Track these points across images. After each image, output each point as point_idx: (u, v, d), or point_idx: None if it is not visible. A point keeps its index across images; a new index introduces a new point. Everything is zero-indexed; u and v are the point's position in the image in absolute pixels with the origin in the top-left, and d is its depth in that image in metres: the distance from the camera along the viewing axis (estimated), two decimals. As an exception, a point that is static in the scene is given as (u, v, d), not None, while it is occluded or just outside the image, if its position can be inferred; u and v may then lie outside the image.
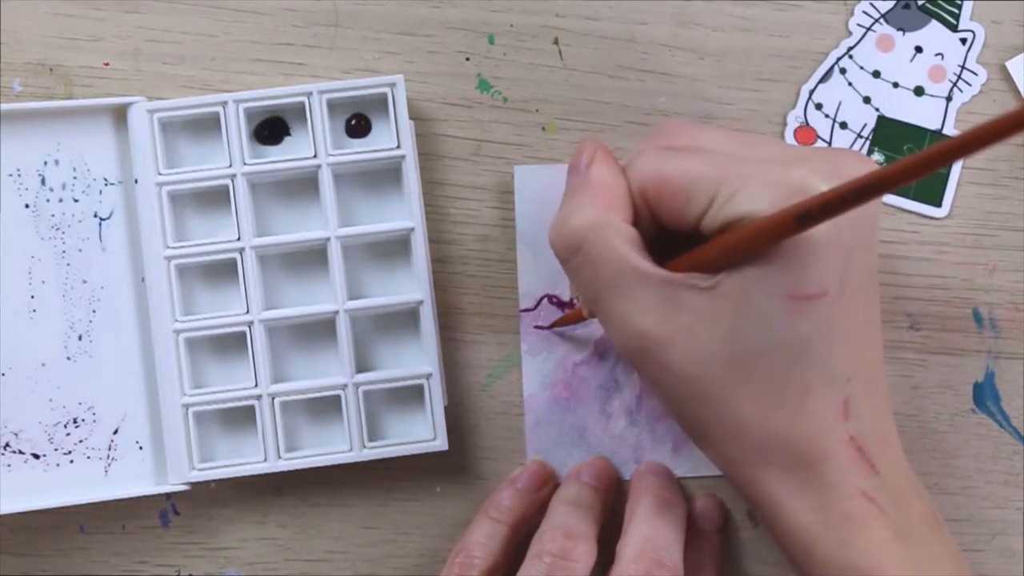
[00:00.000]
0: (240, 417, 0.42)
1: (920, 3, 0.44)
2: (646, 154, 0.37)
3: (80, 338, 0.42)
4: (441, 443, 0.42)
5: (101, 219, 0.42)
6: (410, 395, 0.43)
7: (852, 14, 0.44)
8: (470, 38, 0.43)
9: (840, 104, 0.44)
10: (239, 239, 0.41)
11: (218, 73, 0.43)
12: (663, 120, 0.43)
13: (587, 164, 0.37)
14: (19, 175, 0.42)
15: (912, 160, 0.28)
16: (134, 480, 0.42)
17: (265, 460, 0.42)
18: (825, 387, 0.35)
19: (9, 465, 0.42)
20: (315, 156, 0.41)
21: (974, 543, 0.44)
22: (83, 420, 0.42)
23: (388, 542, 0.44)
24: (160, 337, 0.42)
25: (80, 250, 0.42)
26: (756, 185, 0.34)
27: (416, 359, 0.43)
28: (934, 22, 0.44)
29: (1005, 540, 0.44)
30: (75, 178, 0.42)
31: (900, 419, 0.43)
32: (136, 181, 0.42)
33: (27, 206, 0.42)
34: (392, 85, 0.41)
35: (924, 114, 0.44)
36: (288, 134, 0.43)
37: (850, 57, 0.44)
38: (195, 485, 0.42)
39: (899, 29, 0.44)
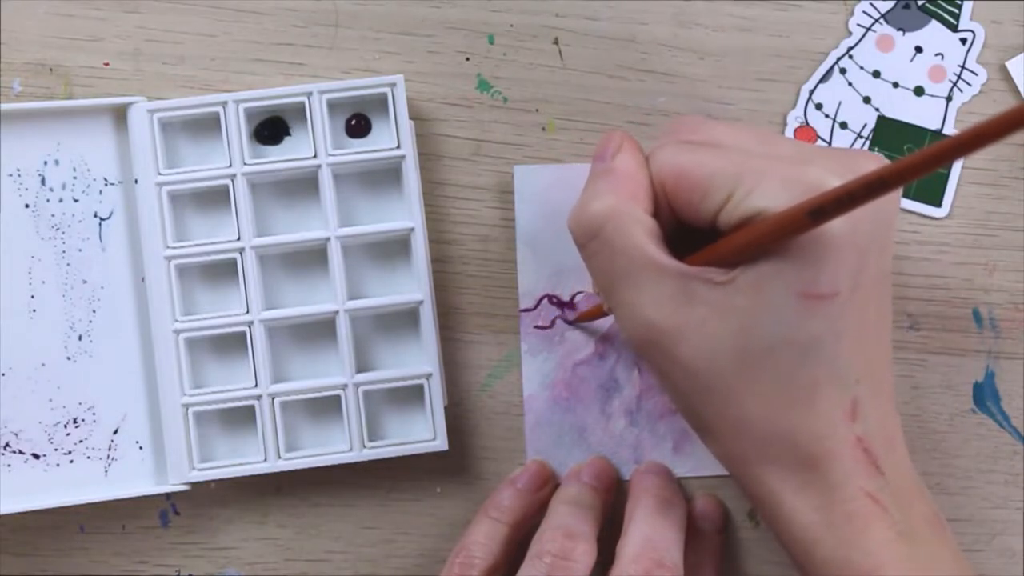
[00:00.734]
0: (240, 417, 0.42)
1: (920, 3, 0.44)
2: (666, 147, 0.37)
3: (80, 338, 0.42)
4: (441, 443, 0.42)
5: (101, 219, 0.42)
6: (410, 395, 0.43)
7: (852, 14, 0.44)
8: (470, 38, 0.43)
9: (840, 104, 0.44)
10: (239, 239, 0.41)
11: (218, 73, 0.43)
12: (663, 120, 0.43)
13: (613, 152, 0.37)
14: (19, 175, 0.42)
15: (919, 156, 0.28)
16: (134, 480, 0.42)
17: (265, 460, 0.42)
18: (833, 387, 0.35)
19: (9, 465, 0.42)
20: (315, 156, 0.41)
21: (974, 543, 0.44)
22: (83, 420, 0.42)
23: (388, 542, 0.44)
24: (160, 337, 0.42)
25: (80, 250, 0.42)
26: (773, 182, 0.34)
27: (416, 359, 0.43)
28: (934, 22, 0.44)
29: (1005, 540, 0.44)
30: (75, 178, 0.42)
31: (901, 419, 0.43)
32: (136, 181, 0.42)
33: (27, 206, 0.42)
34: (392, 85, 0.41)
35: (924, 114, 0.44)
36: (288, 134, 0.43)
37: (850, 57, 0.44)
38: (195, 485, 0.42)
39: (899, 29, 0.44)
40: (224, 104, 0.41)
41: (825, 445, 0.35)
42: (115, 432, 0.42)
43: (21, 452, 0.42)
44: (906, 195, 0.44)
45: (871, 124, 0.44)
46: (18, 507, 0.41)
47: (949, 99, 0.44)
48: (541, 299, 0.44)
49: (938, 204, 0.44)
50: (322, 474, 0.42)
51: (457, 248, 0.44)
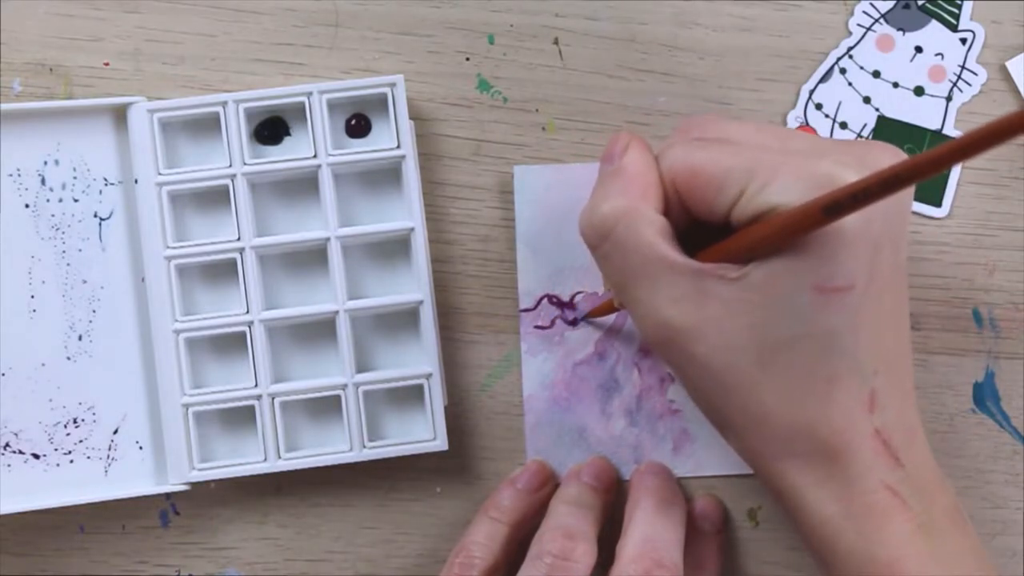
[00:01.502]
0: (240, 417, 0.42)
1: (920, 3, 0.44)
2: (677, 145, 0.37)
3: (80, 338, 0.42)
4: (441, 443, 0.42)
5: (101, 219, 0.42)
6: (410, 395, 0.43)
7: (852, 14, 0.44)
8: (470, 38, 0.43)
9: (840, 104, 0.44)
10: (239, 239, 0.41)
11: (218, 73, 0.43)
12: (663, 120, 0.43)
13: (621, 152, 0.37)
14: (19, 175, 0.42)
15: (936, 152, 0.27)
16: (134, 480, 0.42)
17: (265, 460, 0.42)
18: (851, 379, 0.35)
19: (9, 465, 0.42)
20: (315, 156, 0.41)
21: (974, 543, 0.44)
22: (83, 420, 0.42)
23: (388, 542, 0.44)
24: (160, 337, 0.42)
25: (80, 250, 0.42)
26: (786, 177, 0.34)
27: (416, 359, 0.43)
28: (934, 22, 0.44)
29: (1005, 540, 0.44)
30: (75, 178, 0.42)
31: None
32: (136, 181, 0.42)
33: (27, 206, 0.42)
34: (392, 85, 0.41)
35: (924, 114, 0.44)
36: (288, 134, 0.43)
37: (850, 57, 0.44)
38: (195, 485, 0.42)
39: (899, 29, 0.44)
40: (224, 104, 0.41)
41: (844, 438, 0.35)
42: (115, 432, 0.42)
43: (21, 452, 0.42)
44: (906, 195, 0.44)
45: (871, 124, 0.44)
46: (18, 507, 0.41)
47: (949, 99, 0.44)
48: (541, 299, 0.44)
49: (938, 204, 0.44)
50: (322, 474, 0.42)
51: (457, 248, 0.44)
